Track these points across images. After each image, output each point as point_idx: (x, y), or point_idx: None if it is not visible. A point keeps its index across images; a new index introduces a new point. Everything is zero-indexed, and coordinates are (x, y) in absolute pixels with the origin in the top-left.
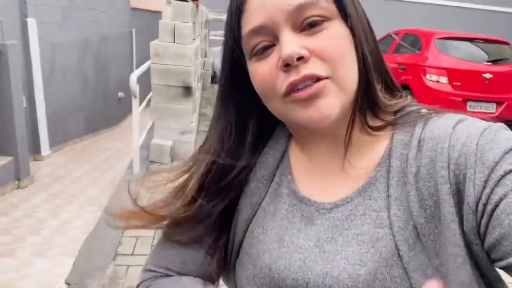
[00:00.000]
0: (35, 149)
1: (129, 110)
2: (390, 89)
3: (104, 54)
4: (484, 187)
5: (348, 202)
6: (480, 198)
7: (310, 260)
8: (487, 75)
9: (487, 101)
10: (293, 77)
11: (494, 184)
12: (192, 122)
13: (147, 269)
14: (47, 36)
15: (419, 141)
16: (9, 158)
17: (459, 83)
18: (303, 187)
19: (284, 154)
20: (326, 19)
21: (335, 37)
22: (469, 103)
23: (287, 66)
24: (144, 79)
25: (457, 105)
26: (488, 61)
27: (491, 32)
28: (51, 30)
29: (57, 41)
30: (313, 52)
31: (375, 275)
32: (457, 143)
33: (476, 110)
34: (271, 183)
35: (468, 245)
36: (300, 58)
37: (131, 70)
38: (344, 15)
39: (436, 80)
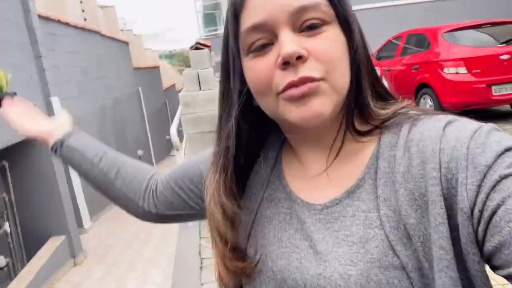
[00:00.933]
0: (78, 223)
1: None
2: (384, 97)
3: (119, 116)
4: (478, 192)
5: (337, 204)
6: (475, 204)
7: (305, 260)
8: (505, 57)
9: (510, 82)
10: (291, 77)
11: (490, 189)
12: None
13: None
14: (70, 111)
15: (405, 142)
16: (63, 237)
17: (478, 71)
18: (296, 189)
19: (277, 159)
20: (324, 22)
21: (333, 41)
22: (493, 88)
23: (286, 64)
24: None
25: (483, 92)
26: (501, 43)
27: (492, 16)
28: (72, 105)
29: (79, 114)
30: (311, 53)
31: (368, 276)
32: (448, 146)
33: (502, 93)
34: (266, 188)
35: (456, 251)
36: (299, 58)
37: (145, 127)
38: (342, 21)
39: (455, 72)
